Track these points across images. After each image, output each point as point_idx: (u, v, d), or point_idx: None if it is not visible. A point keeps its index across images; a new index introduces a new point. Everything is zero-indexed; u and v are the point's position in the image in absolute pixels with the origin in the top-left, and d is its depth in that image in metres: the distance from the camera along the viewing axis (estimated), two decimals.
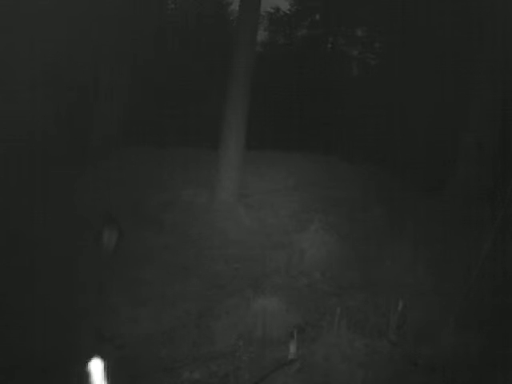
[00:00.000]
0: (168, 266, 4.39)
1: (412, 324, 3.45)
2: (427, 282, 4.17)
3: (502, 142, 6.69)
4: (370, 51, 15.38)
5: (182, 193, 6.14)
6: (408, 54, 11.24)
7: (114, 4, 8.64)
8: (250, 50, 6.15)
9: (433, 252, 4.62)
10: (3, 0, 7.32)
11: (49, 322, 3.15)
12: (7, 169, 5.72)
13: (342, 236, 5.04)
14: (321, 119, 13.11)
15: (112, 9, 8.63)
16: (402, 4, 11.62)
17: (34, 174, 5.96)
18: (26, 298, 3.46)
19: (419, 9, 10.79)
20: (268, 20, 16.00)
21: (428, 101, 10.00)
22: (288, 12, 16.19)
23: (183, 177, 6.79)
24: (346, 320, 3.28)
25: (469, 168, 6.72)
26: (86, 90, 9.01)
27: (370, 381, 2.90)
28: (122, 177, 6.61)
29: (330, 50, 16.02)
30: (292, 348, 3.03)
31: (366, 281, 4.30)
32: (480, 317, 3.52)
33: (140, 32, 9.70)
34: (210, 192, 6.17)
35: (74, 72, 8.78)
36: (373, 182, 7.46)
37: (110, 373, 2.12)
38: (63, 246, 4.38)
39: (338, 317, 3.28)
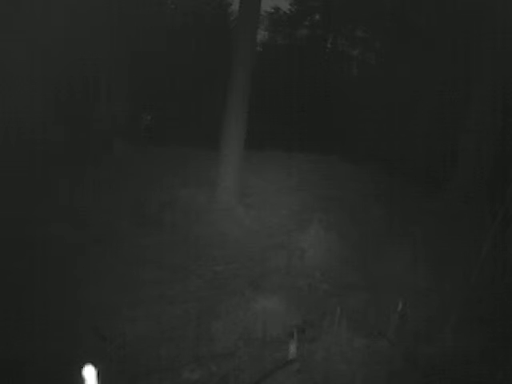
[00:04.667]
0: (168, 266, 4.39)
1: (412, 324, 3.45)
2: (427, 282, 4.17)
3: (502, 142, 6.69)
4: (370, 51, 15.40)
5: (181, 193, 6.14)
6: (408, 53, 11.24)
7: (114, 4, 8.65)
8: (249, 50, 6.15)
9: (433, 252, 4.62)
10: (3, 0, 7.32)
11: (48, 323, 3.15)
12: (7, 169, 5.72)
13: (342, 236, 5.04)
14: (320, 119, 13.11)
15: (112, 9, 8.63)
16: (401, 4, 11.63)
17: (34, 174, 5.96)
18: (26, 297, 3.46)
19: (419, 8, 10.79)
20: (268, 20, 16.03)
21: (428, 101, 10.00)
22: (288, 12, 16.22)
23: (183, 177, 6.79)
24: (346, 320, 3.27)
25: (468, 168, 6.72)
26: (85, 90, 9.02)
27: (369, 381, 2.90)
28: (121, 176, 6.62)
29: (330, 50, 16.03)
30: (292, 348, 3.03)
31: (366, 281, 4.30)
32: (480, 317, 3.52)
33: (140, 32, 9.70)
34: (210, 192, 6.17)
35: (74, 72, 8.79)
36: (373, 181, 7.46)
37: (103, 379, 2.12)
38: (63, 246, 4.38)
39: (337, 317, 3.28)
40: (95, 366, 2.09)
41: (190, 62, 13.07)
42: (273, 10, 16.09)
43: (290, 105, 12.79)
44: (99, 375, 2.08)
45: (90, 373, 2.06)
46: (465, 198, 6.44)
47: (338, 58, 15.89)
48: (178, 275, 4.24)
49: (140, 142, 9.30)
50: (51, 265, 3.97)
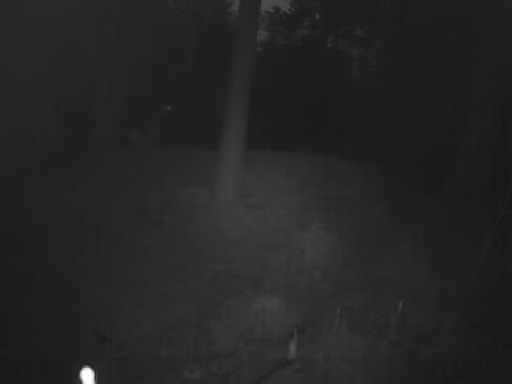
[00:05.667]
0: (168, 266, 4.39)
1: (412, 324, 3.45)
2: (427, 282, 4.17)
3: (502, 143, 6.70)
4: (370, 51, 15.39)
5: (181, 193, 6.14)
6: (408, 54, 11.24)
7: (114, 3, 8.65)
8: (250, 50, 6.15)
9: (433, 252, 4.62)
10: (3, 0, 7.32)
11: (48, 322, 3.15)
12: (7, 168, 5.72)
13: (342, 236, 5.04)
14: (321, 119, 13.11)
15: (112, 8, 8.63)
16: (401, 4, 11.63)
17: (33, 173, 5.96)
18: (27, 298, 3.46)
19: (419, 9, 10.79)
20: (268, 20, 16.01)
21: (428, 101, 10.00)
22: (288, 12, 16.20)
23: (183, 177, 6.79)
24: (346, 320, 3.28)
25: (468, 168, 6.71)
26: (85, 90, 9.02)
27: (369, 381, 2.90)
28: (121, 177, 6.61)
29: (330, 50, 16.03)
30: (292, 348, 3.03)
31: (366, 281, 4.30)
32: (480, 317, 3.52)
33: (140, 31, 9.70)
34: (210, 192, 6.17)
35: (75, 71, 8.79)
36: (373, 181, 7.45)
37: (103, 379, 2.12)
38: (63, 246, 4.38)
39: (337, 317, 3.28)
40: (94, 367, 2.09)
41: (189, 62, 13.08)
42: (273, 10, 16.09)
43: (290, 104, 12.78)
44: (97, 377, 2.08)
45: (87, 375, 2.06)
46: (465, 198, 6.44)
47: (338, 58, 15.89)
48: (178, 275, 4.24)
49: (154, 134, 9.41)
50: (51, 265, 3.97)
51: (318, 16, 16.12)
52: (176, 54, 13.21)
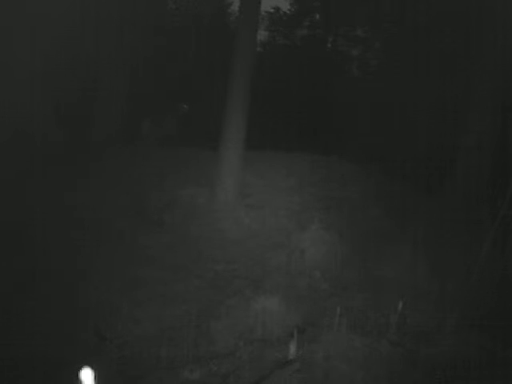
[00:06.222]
0: (168, 266, 4.39)
1: (412, 324, 3.45)
2: (427, 282, 4.17)
3: (502, 143, 6.70)
4: (370, 51, 15.39)
5: (182, 193, 6.14)
6: (408, 54, 11.24)
7: (114, 3, 8.65)
8: (250, 50, 6.15)
9: (433, 252, 4.62)
10: (3, 0, 7.32)
11: (48, 322, 3.15)
12: (7, 168, 5.71)
13: (342, 236, 5.04)
14: (321, 119, 13.12)
15: (112, 8, 8.63)
16: (401, 4, 11.64)
17: (33, 173, 5.96)
18: (27, 298, 3.46)
19: (419, 9, 10.80)
20: (268, 20, 16.01)
21: (428, 101, 10.01)
22: (288, 12, 16.20)
23: (183, 177, 6.79)
24: (346, 320, 3.28)
25: (468, 168, 6.71)
26: (85, 90, 9.03)
27: (369, 381, 2.90)
28: (121, 177, 6.61)
29: (330, 50, 16.02)
30: (292, 348, 3.03)
31: (366, 281, 4.30)
32: (480, 317, 3.52)
33: (140, 31, 9.70)
34: (210, 192, 6.17)
35: (75, 71, 8.79)
36: (373, 181, 7.45)
37: (103, 379, 2.12)
38: (63, 247, 4.38)
39: (337, 317, 3.28)
40: (93, 367, 2.09)
41: (189, 62, 13.08)
42: (273, 10, 16.08)
43: (290, 105, 12.77)
44: (96, 377, 2.08)
45: (87, 375, 2.06)
46: (465, 198, 6.44)
47: (338, 58, 15.89)
48: (178, 275, 4.24)
49: (170, 128, 9.49)
50: (51, 265, 3.97)
51: (318, 16, 16.11)
52: (176, 53, 13.20)
